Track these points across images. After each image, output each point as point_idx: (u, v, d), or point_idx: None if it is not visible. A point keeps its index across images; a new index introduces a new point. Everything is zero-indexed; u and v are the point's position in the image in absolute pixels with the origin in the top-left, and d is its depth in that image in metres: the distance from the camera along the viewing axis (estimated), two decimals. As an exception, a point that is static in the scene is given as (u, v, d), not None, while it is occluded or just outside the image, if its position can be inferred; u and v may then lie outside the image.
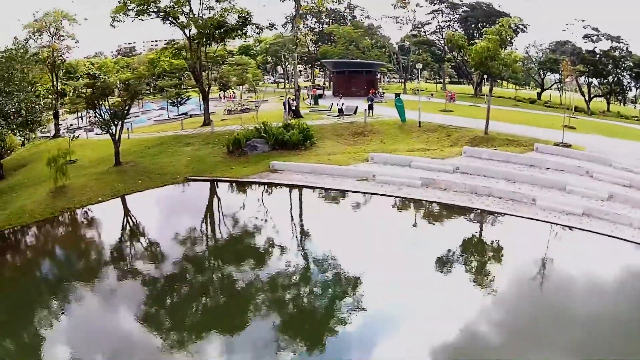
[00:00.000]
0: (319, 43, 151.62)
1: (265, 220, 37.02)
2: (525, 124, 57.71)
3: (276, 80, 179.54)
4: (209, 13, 65.69)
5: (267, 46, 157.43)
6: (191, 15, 64.00)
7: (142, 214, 39.36)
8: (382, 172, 40.95)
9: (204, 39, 66.05)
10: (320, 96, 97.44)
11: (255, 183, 43.23)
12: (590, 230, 29.66)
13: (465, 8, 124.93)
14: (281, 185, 42.30)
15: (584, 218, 31.18)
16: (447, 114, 65.91)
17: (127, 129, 61.95)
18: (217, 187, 44.52)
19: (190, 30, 65.32)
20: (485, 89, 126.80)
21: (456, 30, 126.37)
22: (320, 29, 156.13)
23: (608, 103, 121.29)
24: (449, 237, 31.21)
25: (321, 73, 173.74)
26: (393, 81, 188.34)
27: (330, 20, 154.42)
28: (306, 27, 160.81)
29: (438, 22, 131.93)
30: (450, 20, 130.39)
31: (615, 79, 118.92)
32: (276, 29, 66.77)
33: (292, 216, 37.63)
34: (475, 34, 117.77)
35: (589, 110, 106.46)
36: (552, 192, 35.62)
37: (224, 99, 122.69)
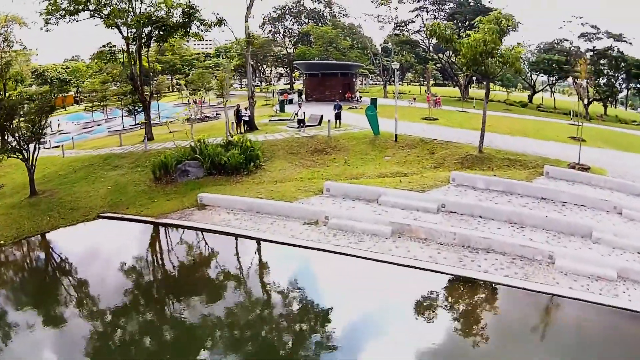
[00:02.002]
0: (298, 44, 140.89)
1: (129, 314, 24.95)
2: (525, 135, 47.80)
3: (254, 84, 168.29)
4: (145, 9, 55.11)
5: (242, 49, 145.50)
6: (125, 12, 52.19)
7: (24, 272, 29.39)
8: (339, 212, 29.08)
9: (142, 40, 55.41)
10: (291, 102, 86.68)
11: (172, 226, 31.77)
12: (632, 310, 19.35)
13: (451, 5, 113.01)
14: (200, 230, 30.66)
15: (620, 285, 21.02)
16: (431, 122, 54.43)
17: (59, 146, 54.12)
18: (127, 229, 33.29)
19: (128, 29, 54.24)
20: (476, 92, 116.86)
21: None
22: (299, 30, 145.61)
23: (605, 106, 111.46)
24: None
25: (303, 76, 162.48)
26: (376, 84, 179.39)
27: (309, 21, 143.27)
28: (284, 28, 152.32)
29: (422, 21, 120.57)
30: (435, 18, 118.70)
31: (611, 80, 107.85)
32: (225, 24, 52.27)
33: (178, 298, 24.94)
34: (462, 35, 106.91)
35: (587, 114, 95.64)
36: (573, 241, 24.94)
37: (193, 104, 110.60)
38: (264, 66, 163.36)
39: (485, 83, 39.52)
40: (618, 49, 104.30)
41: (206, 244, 29.55)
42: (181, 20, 54.11)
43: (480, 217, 27.63)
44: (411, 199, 29.61)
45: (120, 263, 27.37)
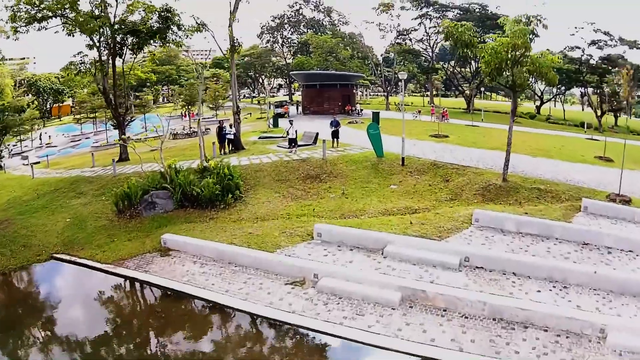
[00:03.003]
0: (297, 54, 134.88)
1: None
2: (548, 156, 41.41)
3: (251, 95, 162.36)
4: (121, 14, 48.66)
5: (240, 59, 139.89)
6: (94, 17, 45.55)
7: None
8: (332, 269, 21.87)
9: (115, 48, 48.89)
10: (283, 115, 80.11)
11: (125, 278, 24.72)
12: None
13: (457, 11, 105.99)
14: (155, 287, 23.47)
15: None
16: (441, 140, 47.55)
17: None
18: (76, 278, 26.46)
19: (100, 37, 47.90)
20: (481, 103, 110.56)
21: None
22: (298, 39, 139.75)
23: (616, 117, 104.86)
24: None
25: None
26: (377, 95, 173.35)
27: (308, 30, 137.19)
28: (282, 38, 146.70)
29: (425, 29, 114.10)
30: (439, 26, 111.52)
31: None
32: (206, 30, 45.30)
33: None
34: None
35: (600, 126, 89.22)
36: (626, 304, 18.65)
37: (185, 117, 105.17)
38: (263, 77, 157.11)
39: (513, 97, 32.29)
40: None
41: (157, 311, 22.11)
42: (156, 26, 47.23)
43: (514, 274, 20.65)
44: (426, 249, 22.44)
45: (46, 331, 20.88)
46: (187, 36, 48.57)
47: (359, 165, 37.03)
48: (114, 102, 49.50)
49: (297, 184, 34.49)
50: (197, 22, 45.97)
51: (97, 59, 48.29)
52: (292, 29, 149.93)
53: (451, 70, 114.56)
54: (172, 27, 48.08)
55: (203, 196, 31.27)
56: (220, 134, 45.21)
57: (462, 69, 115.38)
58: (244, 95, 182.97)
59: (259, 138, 54.16)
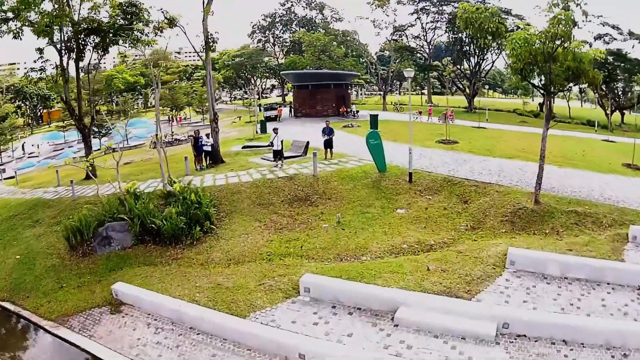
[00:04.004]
0: (290, 54, 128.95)
1: None
2: (574, 165, 35.36)
3: (243, 97, 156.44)
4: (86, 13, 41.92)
5: (231, 59, 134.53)
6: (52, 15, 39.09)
7: None
8: (323, 347, 15.35)
9: (78, 50, 42.11)
10: (276, 118, 73.87)
11: (67, 343, 18.97)
12: None
13: (456, 5, 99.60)
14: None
15: None
16: (451, 147, 41.25)
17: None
18: (17, 338, 21.21)
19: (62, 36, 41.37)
20: (481, 100, 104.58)
21: (446, 31, 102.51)
22: (291, 38, 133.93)
23: (622, 114, 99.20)
24: None
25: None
26: (372, 94, 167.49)
27: (300, 29, 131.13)
28: (274, 37, 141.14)
29: (422, 25, 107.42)
30: (436, 21, 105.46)
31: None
32: (177, 25, 38.64)
33: None
34: (467, 40, 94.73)
35: (610, 125, 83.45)
36: None
37: (173, 122, 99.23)
38: (254, 78, 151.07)
39: (549, 99, 25.94)
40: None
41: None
42: (120, 23, 40.81)
43: (565, 342, 14.76)
44: (452, 313, 16.12)
45: None
46: (156, 34, 42.12)
47: (357, 182, 30.71)
48: (77, 112, 43.11)
49: (282, 209, 28.15)
50: (165, 17, 39.27)
51: (59, 63, 42.17)
52: (284, 28, 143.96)
53: (453, 67, 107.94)
54: (137, 23, 41.68)
55: (165, 230, 25.07)
56: (196, 145, 38.77)
57: (459, 66, 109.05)
58: (235, 97, 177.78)
59: (243, 148, 47.80)
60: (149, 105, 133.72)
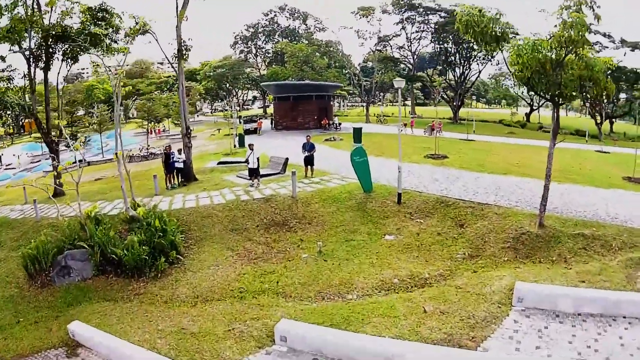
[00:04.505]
0: (272, 64, 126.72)
1: None
2: (572, 181, 32.54)
3: (224, 109, 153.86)
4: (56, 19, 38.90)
5: (212, 70, 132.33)
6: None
7: None
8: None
9: (47, 57, 39.31)
10: (255, 131, 71.27)
11: None
12: None
13: (442, 14, 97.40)
14: None
15: None
16: (441, 163, 38.58)
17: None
18: None
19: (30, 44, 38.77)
20: (464, 111, 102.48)
21: (431, 41, 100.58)
22: (273, 48, 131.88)
23: (611, 124, 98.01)
24: None
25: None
26: (354, 105, 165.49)
27: (283, 39, 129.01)
28: (257, 47, 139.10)
29: (407, 35, 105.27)
30: (422, 31, 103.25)
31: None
32: (148, 31, 35.81)
33: None
34: (452, 50, 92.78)
35: (601, 135, 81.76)
36: None
37: (152, 134, 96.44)
38: (236, 89, 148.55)
39: (555, 111, 23.28)
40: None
41: None
42: (89, 29, 37.99)
43: None
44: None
45: None
46: (128, 41, 39.36)
47: (340, 205, 27.83)
48: (45, 125, 40.39)
49: (258, 236, 25.24)
50: (137, 23, 36.50)
51: (26, 72, 39.72)
52: (266, 38, 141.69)
53: (439, 78, 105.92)
54: (107, 29, 38.94)
55: (126, 261, 22.24)
56: (167, 162, 35.79)
57: (444, 77, 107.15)
58: (216, 109, 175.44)
59: (218, 164, 44.84)
60: (131, 116, 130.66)
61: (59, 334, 18.43)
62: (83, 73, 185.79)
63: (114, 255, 22.50)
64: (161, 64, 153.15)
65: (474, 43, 23.66)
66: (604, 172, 37.36)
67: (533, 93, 23.63)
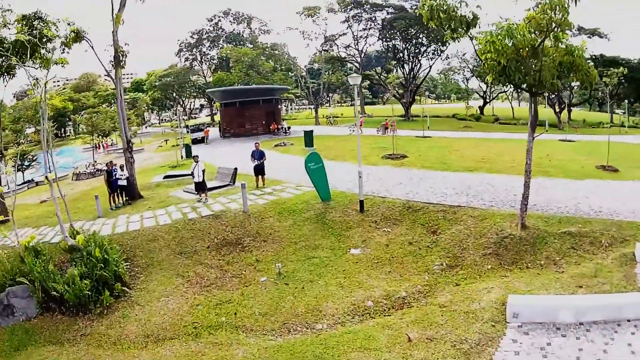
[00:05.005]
0: (218, 71, 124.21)
1: None
2: (546, 174, 31.09)
3: (171, 119, 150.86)
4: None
5: (158, 79, 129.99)
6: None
7: None
8: None
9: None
10: (203, 140, 68.99)
11: None
12: None
13: (390, 10, 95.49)
14: None
15: None
16: (401, 163, 36.43)
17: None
18: None
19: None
20: (415, 108, 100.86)
21: (379, 39, 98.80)
22: (218, 54, 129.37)
23: (569, 112, 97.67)
24: None
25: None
26: (302, 108, 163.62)
27: (228, 44, 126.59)
28: (202, 54, 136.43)
29: (353, 33, 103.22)
30: (368, 29, 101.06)
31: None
32: (84, 38, 32.88)
33: None
34: (400, 47, 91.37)
35: (560, 124, 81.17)
36: None
37: (100, 149, 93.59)
38: (182, 98, 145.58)
39: (533, 103, 20.98)
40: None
41: None
42: (25, 39, 34.91)
43: None
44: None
45: None
46: (63, 50, 36.46)
47: (297, 217, 25.16)
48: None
49: (209, 258, 22.44)
50: (72, 30, 33.48)
51: None
52: (211, 44, 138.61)
53: (387, 75, 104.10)
54: (43, 38, 35.93)
55: (68, 298, 19.51)
56: (110, 180, 32.51)
57: (389, 74, 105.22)
58: (164, 120, 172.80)
59: (164, 178, 41.88)
60: (80, 131, 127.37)
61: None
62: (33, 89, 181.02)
63: (54, 292, 19.75)
64: (108, 75, 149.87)
65: (434, 32, 21.37)
66: (575, 162, 35.72)
67: (500, 84, 21.43)
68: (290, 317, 17.07)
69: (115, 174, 32.32)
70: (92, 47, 33.94)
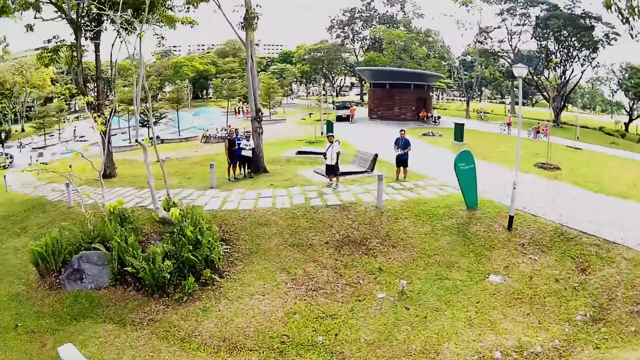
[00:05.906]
0: (370, 51, 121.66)
1: None
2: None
3: (319, 93, 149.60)
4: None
5: (307, 53, 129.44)
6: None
7: None
8: None
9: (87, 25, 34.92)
10: (348, 118, 67.96)
11: None
12: None
13: (544, 6, 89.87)
14: None
15: None
16: (554, 176, 31.84)
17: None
18: None
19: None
20: (565, 115, 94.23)
21: (532, 37, 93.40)
22: (371, 35, 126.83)
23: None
24: None
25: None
26: (452, 99, 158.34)
27: (381, 26, 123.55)
28: (354, 33, 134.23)
29: (507, 28, 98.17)
30: (522, 24, 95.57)
31: None
32: None
33: None
34: (553, 48, 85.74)
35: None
36: None
37: (240, 114, 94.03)
38: (332, 74, 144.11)
39: None
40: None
41: None
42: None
43: None
44: None
45: None
46: (188, 9, 34.36)
47: (436, 224, 21.19)
48: (96, 98, 35.97)
49: (324, 256, 19.19)
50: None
51: (74, 42, 35.39)
52: (364, 24, 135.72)
53: (547, 77, 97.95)
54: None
55: (144, 277, 17.25)
56: (231, 149, 29.79)
57: (546, 77, 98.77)
58: (312, 93, 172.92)
59: (297, 153, 39.21)
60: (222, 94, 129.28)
61: (49, 355, 14.58)
62: (174, 50, 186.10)
63: (130, 267, 17.56)
64: (257, 45, 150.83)
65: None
66: None
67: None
68: (401, 355, 13.63)
69: (240, 144, 29.56)
70: (219, 6, 31.54)
